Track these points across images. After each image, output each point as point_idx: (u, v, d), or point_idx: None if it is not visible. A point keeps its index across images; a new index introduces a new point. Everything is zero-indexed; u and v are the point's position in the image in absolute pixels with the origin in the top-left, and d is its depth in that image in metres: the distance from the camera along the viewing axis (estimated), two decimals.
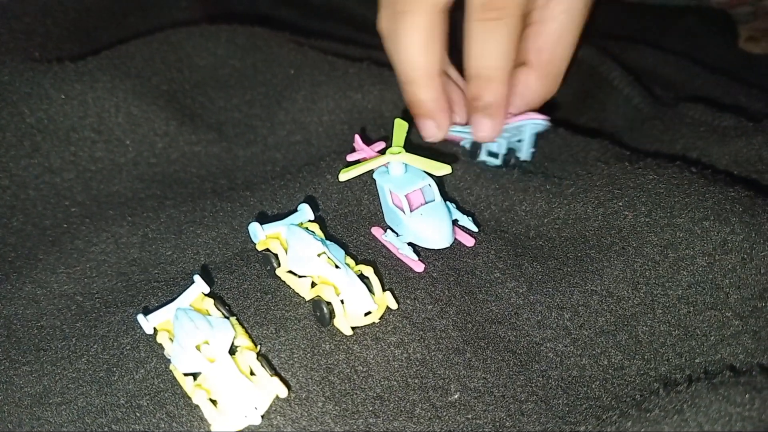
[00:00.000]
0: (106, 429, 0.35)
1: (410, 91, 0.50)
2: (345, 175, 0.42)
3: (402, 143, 0.44)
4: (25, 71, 0.54)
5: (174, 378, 0.37)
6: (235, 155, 0.58)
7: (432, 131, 0.51)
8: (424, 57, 0.48)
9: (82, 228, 0.49)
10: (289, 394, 0.35)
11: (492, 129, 0.49)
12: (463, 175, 0.49)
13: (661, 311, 0.39)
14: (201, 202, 0.51)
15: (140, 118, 0.56)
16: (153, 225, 0.48)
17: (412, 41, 0.48)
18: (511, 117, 0.50)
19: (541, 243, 0.45)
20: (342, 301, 0.38)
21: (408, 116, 0.57)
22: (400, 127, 0.45)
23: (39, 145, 0.53)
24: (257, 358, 0.35)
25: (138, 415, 0.35)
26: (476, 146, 0.52)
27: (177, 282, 0.44)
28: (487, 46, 0.47)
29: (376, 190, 0.46)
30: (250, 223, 0.43)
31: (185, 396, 0.36)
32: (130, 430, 0.35)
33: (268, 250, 0.42)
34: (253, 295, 0.41)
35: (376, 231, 0.46)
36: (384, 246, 0.45)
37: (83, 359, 0.39)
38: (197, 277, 0.38)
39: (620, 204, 0.43)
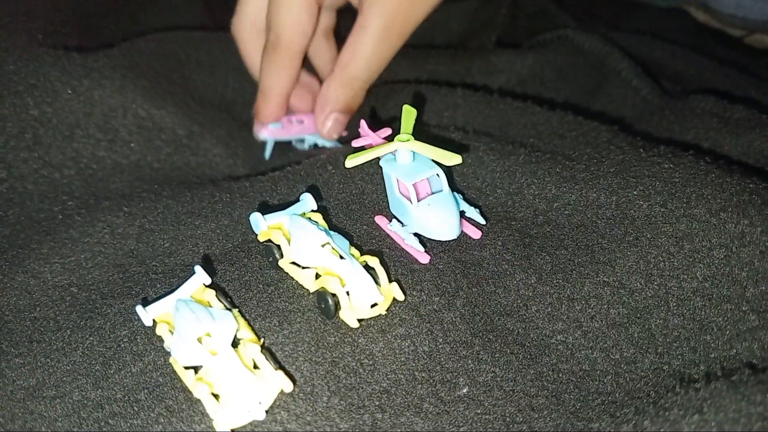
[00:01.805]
0: (102, 424, 0.34)
1: (260, 99, 0.61)
2: (351, 162, 0.41)
3: (411, 130, 0.43)
4: (31, 61, 0.53)
5: (173, 371, 0.35)
6: (239, 164, 0.57)
7: (258, 131, 0.61)
8: (279, 87, 0.60)
9: (76, 218, 0.47)
10: (293, 388, 0.34)
11: (264, 131, 0.61)
12: (466, 158, 0.48)
13: (675, 304, 0.38)
14: (199, 192, 0.49)
15: (147, 121, 0.55)
16: (150, 216, 0.47)
17: (273, 76, 0.59)
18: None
19: (550, 230, 0.44)
20: (348, 293, 0.37)
21: (416, 103, 0.56)
22: (409, 114, 0.44)
23: (40, 139, 0.52)
24: (261, 351, 0.34)
25: (136, 409, 0.34)
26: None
27: (176, 274, 0.43)
28: (264, 68, 0.60)
29: (379, 179, 0.45)
30: (251, 213, 0.42)
31: (185, 390, 0.34)
32: (128, 424, 0.33)
33: (270, 241, 0.41)
34: (255, 287, 0.40)
35: (380, 220, 0.45)
36: (388, 236, 0.43)
37: (78, 352, 0.38)
38: (198, 268, 0.37)
39: (635, 193, 0.42)
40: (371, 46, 0.57)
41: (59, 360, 0.37)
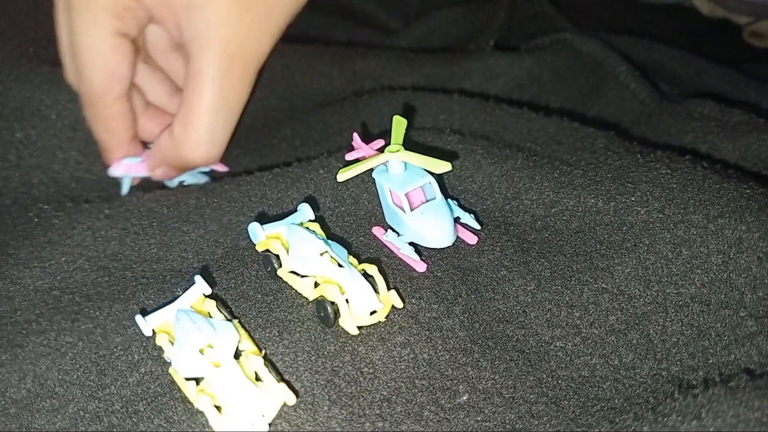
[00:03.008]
0: None
1: (103, 153, 0.52)
2: (343, 175, 0.41)
3: (401, 141, 0.43)
4: (17, 82, 0.53)
5: (171, 381, 0.35)
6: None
7: (114, 169, 0.53)
8: (116, 138, 0.51)
9: (54, 221, 0.47)
10: None
11: (118, 168, 0.53)
12: (463, 162, 0.48)
13: (673, 310, 0.38)
14: (184, 196, 0.49)
15: None
16: (133, 219, 0.47)
17: (103, 131, 0.51)
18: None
19: (548, 236, 0.44)
20: (347, 301, 0.37)
21: (408, 112, 0.56)
22: (399, 125, 0.44)
23: (24, 160, 0.52)
24: (264, 363, 0.34)
25: (135, 420, 0.34)
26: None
27: (167, 280, 0.42)
28: (93, 125, 0.51)
29: (375, 188, 0.45)
30: (249, 223, 0.42)
31: (184, 401, 0.34)
32: None
33: (268, 250, 0.41)
34: (253, 296, 0.40)
35: (377, 231, 0.45)
36: (385, 245, 0.44)
37: (68, 357, 0.37)
38: (198, 278, 0.37)
39: (632, 199, 0.42)
40: (207, 120, 0.47)
41: (49, 368, 0.37)
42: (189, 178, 0.54)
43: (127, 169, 0.53)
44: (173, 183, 0.54)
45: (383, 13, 0.88)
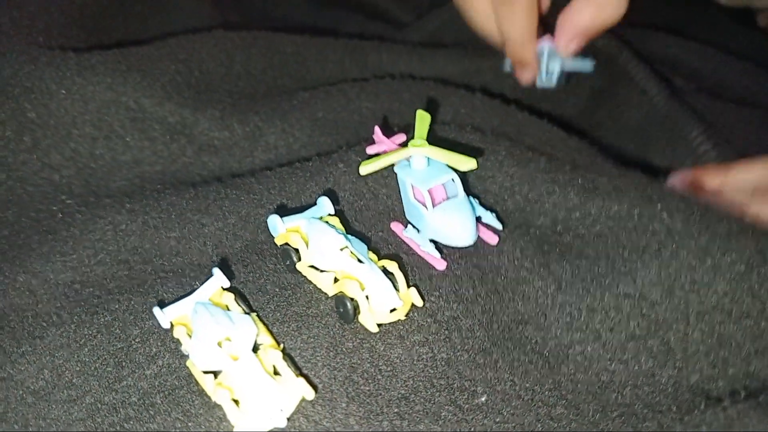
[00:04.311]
0: (118, 428, 0.33)
1: (516, 50, 0.61)
2: (365, 169, 0.40)
3: (425, 136, 0.42)
4: (27, 64, 0.52)
5: (189, 374, 0.35)
6: (240, 159, 0.56)
7: (527, 76, 0.63)
8: (529, 28, 0.59)
9: (77, 216, 0.46)
10: None
11: (523, 77, 0.63)
12: (484, 161, 0.47)
13: (694, 318, 0.38)
14: (203, 189, 0.48)
15: (139, 113, 0.54)
16: (153, 213, 0.46)
17: (519, 20, 0.59)
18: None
19: (569, 239, 0.43)
20: (367, 297, 0.36)
21: (430, 108, 0.56)
22: (423, 119, 0.44)
23: (39, 141, 0.51)
24: (282, 357, 0.33)
25: (152, 413, 0.33)
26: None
27: (186, 274, 0.42)
28: (505, 22, 0.59)
29: (394, 182, 0.45)
30: (268, 216, 0.41)
31: (201, 394, 0.34)
32: (144, 429, 0.33)
33: (287, 244, 0.40)
34: (271, 290, 0.39)
35: (396, 226, 0.44)
36: (404, 242, 0.43)
37: (86, 350, 0.37)
38: (217, 270, 0.36)
39: (658, 206, 0.42)
40: None
41: (67, 359, 0.36)
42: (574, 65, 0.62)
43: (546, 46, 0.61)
44: (552, 79, 0.62)
45: (395, 7, 0.87)
